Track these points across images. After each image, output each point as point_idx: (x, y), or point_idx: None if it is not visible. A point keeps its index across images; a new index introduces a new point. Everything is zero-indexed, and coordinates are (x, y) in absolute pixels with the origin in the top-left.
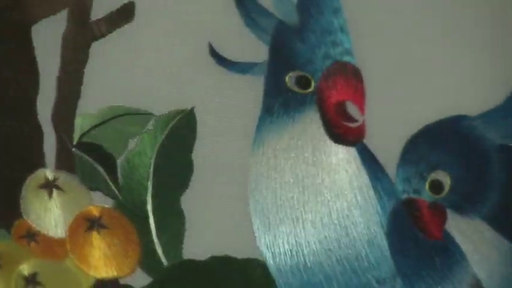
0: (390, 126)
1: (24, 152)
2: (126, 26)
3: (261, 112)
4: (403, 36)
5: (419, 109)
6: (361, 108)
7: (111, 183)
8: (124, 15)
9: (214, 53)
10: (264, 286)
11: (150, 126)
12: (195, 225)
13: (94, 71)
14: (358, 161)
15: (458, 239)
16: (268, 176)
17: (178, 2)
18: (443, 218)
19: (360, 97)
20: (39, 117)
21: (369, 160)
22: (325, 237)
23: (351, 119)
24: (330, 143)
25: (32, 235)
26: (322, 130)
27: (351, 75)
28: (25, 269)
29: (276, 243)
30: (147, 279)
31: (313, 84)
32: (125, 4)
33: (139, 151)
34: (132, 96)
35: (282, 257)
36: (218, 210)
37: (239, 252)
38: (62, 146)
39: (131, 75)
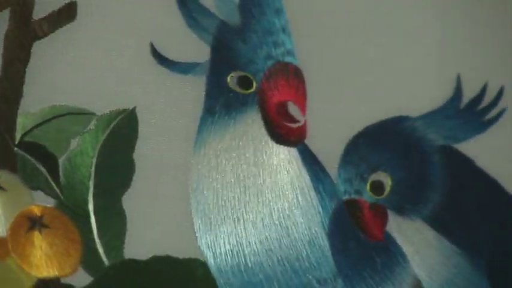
0: (331, 127)
1: None
2: (68, 25)
3: (203, 112)
4: (345, 37)
5: (361, 110)
6: (303, 109)
7: (52, 183)
8: (66, 14)
9: (156, 53)
10: (205, 286)
11: (91, 125)
12: (137, 225)
13: (36, 70)
14: (300, 161)
15: (399, 240)
16: (210, 176)
17: (121, 2)
18: (384, 219)
19: (301, 98)
20: None
21: (310, 161)
22: (266, 237)
23: (293, 120)
24: (271, 143)
25: None
26: (263, 130)
27: (292, 76)
28: None
29: (217, 243)
30: (88, 279)
31: (254, 84)
32: (67, 4)
33: (81, 150)
34: (74, 96)
35: (223, 257)
36: (160, 210)
37: (180, 252)
38: (3, 145)
39: (73, 74)
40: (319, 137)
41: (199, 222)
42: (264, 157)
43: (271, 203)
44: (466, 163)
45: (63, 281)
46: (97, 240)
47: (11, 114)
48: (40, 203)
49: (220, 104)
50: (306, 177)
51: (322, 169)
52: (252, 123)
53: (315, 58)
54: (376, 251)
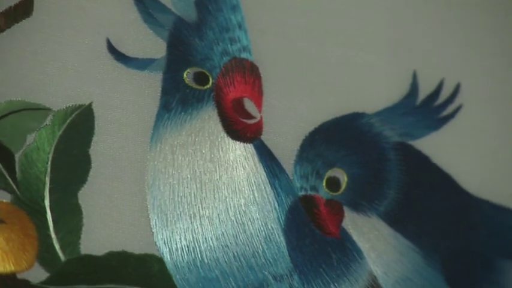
0: (288, 123)
1: None
2: (24, 21)
3: (159, 108)
4: (301, 34)
5: (317, 107)
6: (259, 105)
7: (9, 178)
8: (22, 10)
9: (112, 49)
10: (161, 282)
11: (48, 121)
12: (93, 221)
13: None
14: (256, 157)
15: (355, 236)
16: (166, 172)
17: None
18: (340, 215)
19: (257, 94)
20: None
21: (267, 157)
22: (222, 233)
23: (249, 116)
24: (227, 139)
25: None
26: (219, 127)
27: (248, 72)
28: None
29: (173, 239)
30: (44, 274)
31: (211, 80)
32: None
33: (37, 146)
34: (30, 91)
35: (179, 252)
36: (116, 205)
37: (136, 247)
38: None
39: (30, 70)
40: (276, 133)
41: (156, 218)
42: (221, 153)
43: (227, 199)
44: (422, 160)
45: (19, 276)
46: (53, 235)
47: None
48: None
49: (177, 100)
50: (262, 174)
51: (279, 165)
52: (209, 119)
53: (271, 54)
54: (332, 248)
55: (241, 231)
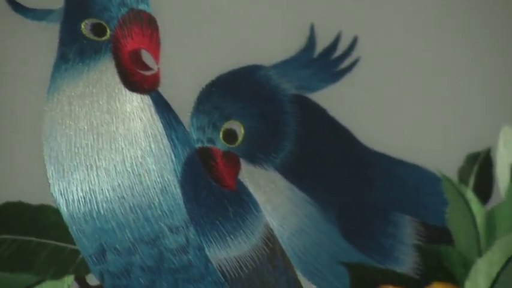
0: (185, 75)
1: None
2: None
3: (56, 59)
4: None
5: (214, 59)
6: (156, 57)
7: None
8: None
9: (10, 0)
10: (57, 232)
11: None
12: None
13: None
14: (153, 109)
15: (252, 188)
16: (63, 123)
17: None
18: (236, 168)
19: (155, 46)
20: None
21: (164, 108)
22: (119, 184)
23: (146, 67)
24: (124, 91)
25: None
26: (117, 78)
27: (146, 24)
28: None
29: (70, 190)
30: None
31: (108, 32)
32: None
33: None
34: None
35: (76, 204)
36: (13, 156)
37: (33, 198)
38: None
39: None
40: (173, 85)
41: (52, 169)
42: (118, 104)
43: (124, 150)
44: (319, 113)
45: None
46: None
47: None
48: None
49: (74, 51)
50: (159, 125)
51: (175, 117)
52: (106, 71)
53: (169, 6)
54: (228, 200)
55: (137, 182)
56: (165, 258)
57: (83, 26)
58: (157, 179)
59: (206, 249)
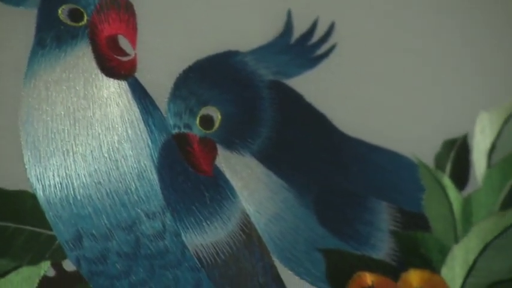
0: (162, 61)
1: None
2: None
3: (33, 45)
4: None
5: (191, 44)
6: (133, 43)
7: None
8: None
9: None
10: (34, 218)
11: None
12: None
13: None
14: (130, 94)
15: (228, 174)
16: (40, 109)
17: None
18: (213, 153)
19: (131, 31)
20: None
21: (140, 94)
22: (96, 170)
23: (123, 53)
24: (101, 76)
25: None
26: (94, 64)
27: (123, 10)
28: None
29: (47, 176)
30: None
31: (85, 17)
32: None
33: None
34: None
35: (52, 189)
36: None
37: (9, 183)
38: None
39: None
40: (150, 71)
41: (29, 154)
42: (94, 90)
43: (100, 136)
44: (296, 99)
45: None
46: None
47: None
48: None
49: (51, 36)
50: (135, 111)
51: (152, 103)
52: (83, 56)
53: None
54: (205, 185)
55: (114, 168)
56: (142, 244)
57: (60, 12)
58: (134, 164)
59: (183, 235)
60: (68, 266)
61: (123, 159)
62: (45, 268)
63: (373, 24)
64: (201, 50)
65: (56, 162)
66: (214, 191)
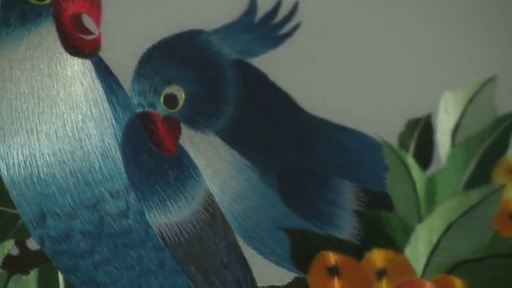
0: (126, 39)
1: None
2: None
3: None
4: None
5: (156, 23)
6: (97, 21)
7: None
8: None
9: None
10: None
11: None
12: None
13: None
14: (94, 73)
15: (192, 153)
16: (4, 87)
17: None
18: (177, 132)
19: (96, 10)
20: None
21: (104, 73)
22: (60, 149)
23: (87, 32)
24: (65, 55)
25: None
26: (58, 42)
27: None
28: None
29: (11, 154)
30: None
31: None
32: None
33: None
34: None
35: (16, 168)
36: None
37: None
38: None
39: None
40: (114, 50)
41: None
42: (58, 69)
43: (64, 115)
44: (260, 78)
45: None
46: None
47: None
48: None
49: (16, 15)
50: (99, 89)
51: (116, 81)
52: (47, 35)
53: None
54: (168, 164)
55: (78, 147)
56: (105, 223)
57: None
58: (98, 143)
59: (146, 214)
60: (32, 244)
61: (87, 138)
62: (9, 247)
63: (337, 3)
64: (165, 29)
65: (20, 141)
66: (178, 170)
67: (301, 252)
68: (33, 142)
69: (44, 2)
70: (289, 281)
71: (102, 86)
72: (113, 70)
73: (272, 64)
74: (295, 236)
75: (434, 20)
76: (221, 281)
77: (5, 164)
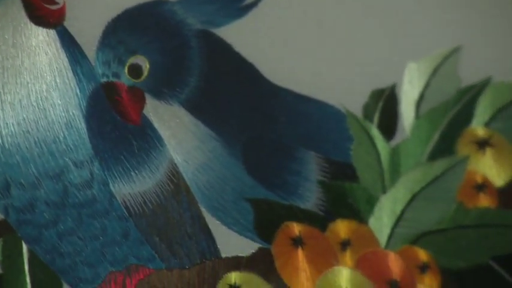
0: (91, 9)
1: None
2: None
3: None
4: None
5: None
6: None
7: None
8: None
9: None
10: None
11: None
12: None
13: None
14: (58, 43)
15: (157, 123)
16: None
17: None
18: (141, 102)
19: None
20: None
21: (69, 43)
22: (24, 119)
23: (52, 2)
24: (30, 25)
25: None
26: (23, 12)
27: None
28: None
29: None
30: None
31: None
32: None
33: None
34: None
35: None
36: None
37: None
38: None
39: None
40: (78, 20)
41: None
42: (23, 38)
43: (29, 85)
44: (224, 48)
45: None
46: None
47: None
48: None
49: None
50: (64, 59)
51: (81, 51)
52: (12, 5)
53: None
54: (133, 135)
55: (42, 117)
56: (70, 193)
57: None
58: (62, 113)
59: (111, 184)
60: None
61: (51, 108)
62: None
63: None
64: None
65: None
66: (142, 140)
67: (265, 222)
68: None
69: None
70: (253, 251)
71: (67, 56)
72: (78, 40)
73: (237, 34)
74: (259, 206)
75: None
76: (185, 252)
77: None
